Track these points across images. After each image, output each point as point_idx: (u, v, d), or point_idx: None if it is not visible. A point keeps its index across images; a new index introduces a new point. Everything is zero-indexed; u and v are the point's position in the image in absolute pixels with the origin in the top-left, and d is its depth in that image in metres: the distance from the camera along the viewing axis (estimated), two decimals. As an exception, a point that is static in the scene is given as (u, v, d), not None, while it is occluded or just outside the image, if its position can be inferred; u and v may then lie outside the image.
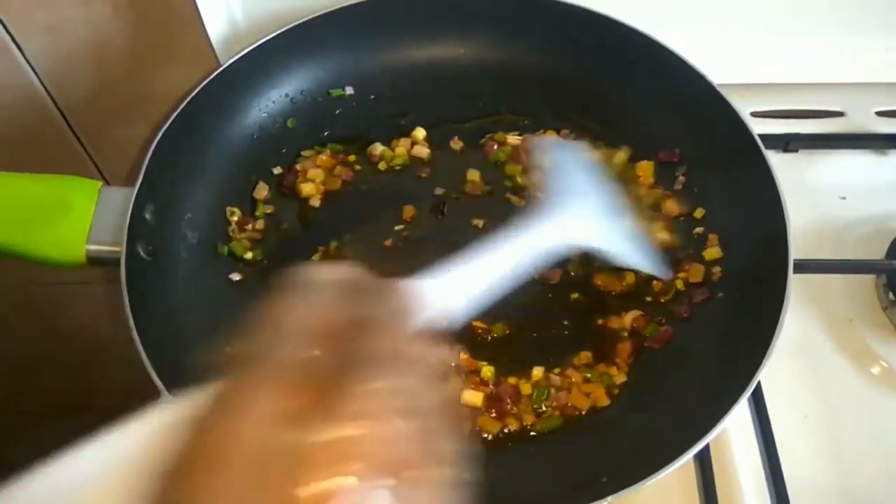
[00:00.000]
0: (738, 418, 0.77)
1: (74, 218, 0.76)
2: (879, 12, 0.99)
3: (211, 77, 0.86)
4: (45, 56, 0.92)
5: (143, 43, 0.91)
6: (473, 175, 0.91)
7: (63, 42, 0.90)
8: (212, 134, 0.89)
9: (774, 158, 0.81)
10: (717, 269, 0.83)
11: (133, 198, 0.77)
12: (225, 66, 0.87)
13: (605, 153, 0.89)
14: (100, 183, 0.79)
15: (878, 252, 0.88)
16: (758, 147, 0.82)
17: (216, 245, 0.85)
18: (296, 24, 0.91)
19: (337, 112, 0.96)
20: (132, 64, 0.92)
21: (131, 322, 0.70)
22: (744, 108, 0.85)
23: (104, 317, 1.21)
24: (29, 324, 1.34)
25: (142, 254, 0.77)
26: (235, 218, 0.87)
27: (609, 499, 0.66)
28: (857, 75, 1.03)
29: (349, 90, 0.97)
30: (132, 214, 0.76)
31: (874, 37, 1.01)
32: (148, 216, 0.78)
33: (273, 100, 0.94)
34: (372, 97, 0.98)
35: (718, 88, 0.86)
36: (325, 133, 0.95)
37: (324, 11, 0.92)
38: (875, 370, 0.82)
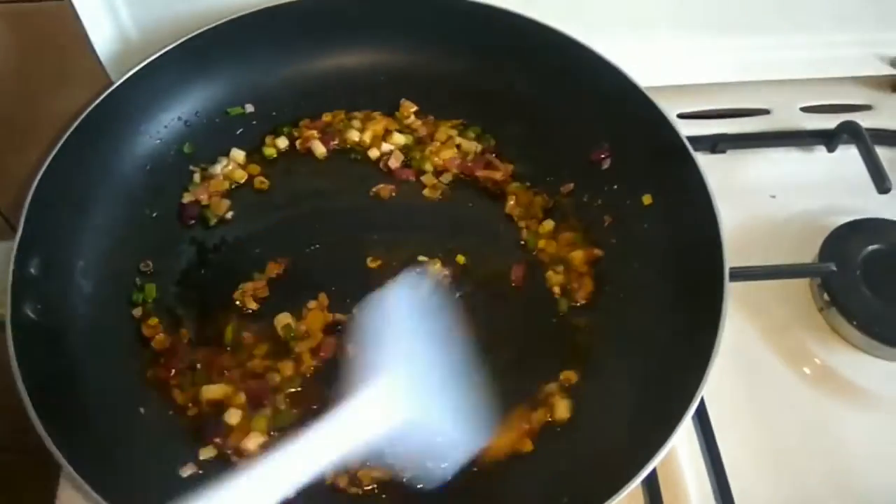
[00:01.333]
0: (684, 435, 0.80)
1: (-55, 282, 0.72)
2: (799, 10, 1.03)
3: (91, 108, 0.84)
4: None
5: (28, 64, 0.87)
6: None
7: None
8: (99, 170, 0.86)
9: (703, 160, 0.84)
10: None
11: (14, 251, 0.74)
12: (104, 95, 0.85)
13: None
14: (-29, 240, 0.75)
15: (810, 250, 0.92)
16: (687, 150, 0.85)
17: (130, 295, 0.83)
18: (184, 39, 0.89)
19: (238, 132, 0.95)
20: (19, 87, 0.88)
21: (24, 395, 0.67)
22: (670, 110, 0.88)
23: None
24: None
25: (30, 314, 0.74)
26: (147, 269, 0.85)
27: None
28: (780, 72, 1.08)
29: (249, 108, 0.96)
30: (14, 271, 0.73)
31: (796, 34, 1.06)
32: (33, 270, 0.76)
33: (165, 124, 0.92)
34: (273, 114, 0.97)
35: (645, 91, 0.88)
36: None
37: (219, 22, 0.91)
38: (814, 373, 0.87)
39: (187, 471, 0.73)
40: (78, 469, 0.65)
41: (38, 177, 0.78)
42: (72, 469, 0.65)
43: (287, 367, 0.80)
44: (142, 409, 0.76)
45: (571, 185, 0.93)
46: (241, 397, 0.78)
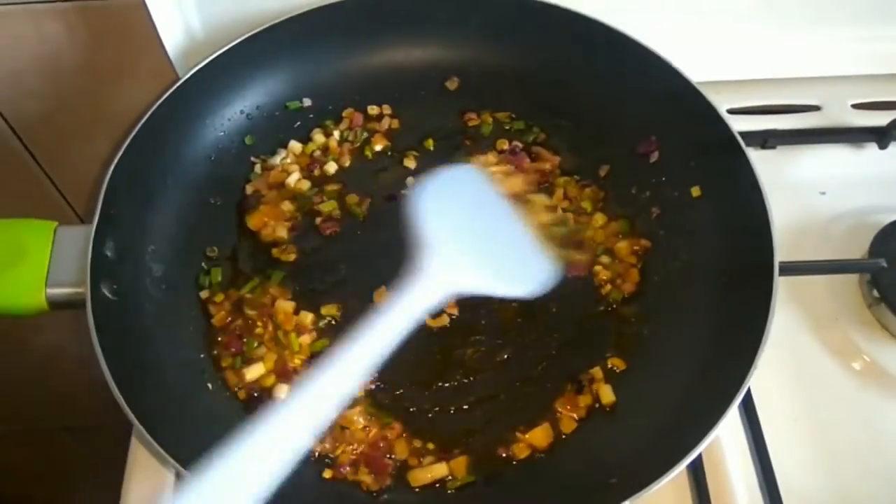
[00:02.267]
0: (730, 425, 0.85)
1: (30, 263, 0.79)
2: (852, 4, 1.07)
3: (161, 101, 0.90)
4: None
5: (98, 58, 0.95)
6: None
7: (12, 60, 0.94)
8: (168, 160, 0.93)
9: (752, 156, 0.88)
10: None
11: (91, 235, 0.80)
12: (172, 89, 0.92)
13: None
14: (54, 223, 0.82)
15: (860, 246, 0.96)
16: (738, 143, 0.89)
17: (197, 278, 0.91)
18: (246, 35, 0.96)
19: (296, 125, 1.02)
20: (88, 80, 0.96)
21: (104, 365, 0.74)
22: (720, 104, 0.92)
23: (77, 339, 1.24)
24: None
25: (107, 293, 0.80)
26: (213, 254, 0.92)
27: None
28: (832, 68, 1.12)
29: (307, 102, 1.03)
30: (92, 254, 0.79)
31: (847, 29, 1.09)
32: (109, 253, 0.82)
33: (228, 118, 0.99)
34: (330, 108, 1.04)
35: (696, 85, 0.93)
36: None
37: (279, 20, 0.98)
38: (862, 368, 0.91)
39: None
40: (149, 430, 0.71)
41: (113, 166, 0.85)
42: (143, 428, 0.71)
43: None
44: (209, 385, 0.84)
45: (616, 176, 0.99)
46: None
